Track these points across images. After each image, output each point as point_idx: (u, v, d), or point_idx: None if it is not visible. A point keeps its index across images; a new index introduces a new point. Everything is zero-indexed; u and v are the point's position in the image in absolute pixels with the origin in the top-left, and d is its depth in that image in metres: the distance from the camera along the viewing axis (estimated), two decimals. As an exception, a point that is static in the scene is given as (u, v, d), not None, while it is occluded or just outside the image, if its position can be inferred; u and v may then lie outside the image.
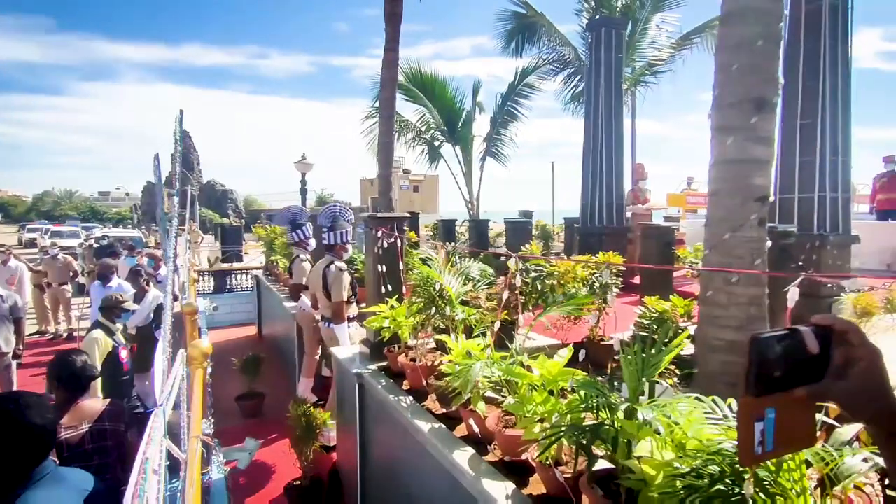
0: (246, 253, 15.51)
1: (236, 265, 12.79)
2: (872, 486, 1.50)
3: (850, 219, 5.10)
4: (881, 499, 1.47)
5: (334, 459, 4.52)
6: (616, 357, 2.88)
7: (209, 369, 2.94)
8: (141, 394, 5.53)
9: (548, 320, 3.80)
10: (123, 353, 4.38)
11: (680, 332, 2.82)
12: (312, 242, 5.93)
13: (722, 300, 2.52)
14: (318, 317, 5.09)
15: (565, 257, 7.21)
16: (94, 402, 2.50)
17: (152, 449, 1.41)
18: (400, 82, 9.19)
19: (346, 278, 4.61)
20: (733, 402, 1.30)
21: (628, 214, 8.70)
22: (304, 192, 14.11)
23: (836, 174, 4.95)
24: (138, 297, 5.53)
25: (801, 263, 4.25)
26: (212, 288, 11.81)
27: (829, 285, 4.47)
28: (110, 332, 4.32)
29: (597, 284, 4.06)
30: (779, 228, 3.43)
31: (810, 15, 4.79)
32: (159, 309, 5.62)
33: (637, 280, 6.19)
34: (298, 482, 4.10)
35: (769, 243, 2.51)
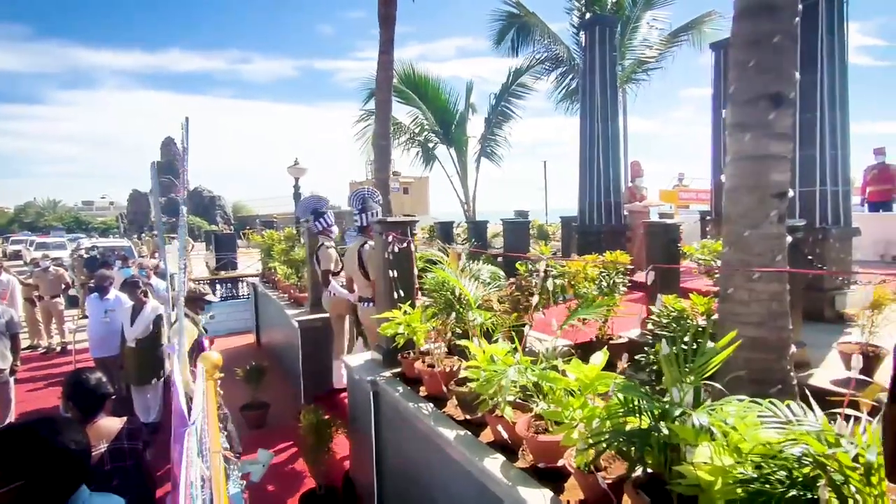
0: (239, 261, 15.38)
1: (232, 273, 12.66)
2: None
3: (851, 211, 5.15)
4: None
5: (346, 468, 4.47)
6: (637, 357, 2.86)
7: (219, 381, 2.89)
8: (141, 407, 5.44)
9: (556, 321, 3.79)
10: (206, 343, 4.69)
11: (700, 331, 2.81)
12: (335, 229, 5.95)
13: (743, 297, 2.51)
14: (354, 299, 5.18)
15: (575, 257, 7.19)
16: (111, 420, 2.43)
17: (193, 471, 1.36)
18: (393, 84, 9.15)
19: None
20: (793, 404, 1.29)
21: (626, 212, 8.71)
22: (297, 196, 13.99)
23: (836, 168, 4.99)
24: (136, 309, 5.44)
25: (810, 258, 4.28)
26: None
27: (839, 279, 4.50)
28: (194, 322, 4.58)
29: (605, 284, 4.06)
30: (788, 223, 3.44)
31: (808, 9, 4.82)
32: (159, 320, 5.53)
33: (641, 278, 6.19)
34: (313, 492, 4.05)
35: (789, 239, 2.51)
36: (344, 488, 4.19)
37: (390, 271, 3.53)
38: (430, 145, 14.87)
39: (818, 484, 1.02)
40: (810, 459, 1.05)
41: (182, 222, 3.38)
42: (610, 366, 3.78)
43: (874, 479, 0.98)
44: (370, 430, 3.66)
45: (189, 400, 2.62)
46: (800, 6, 2.55)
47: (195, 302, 4.79)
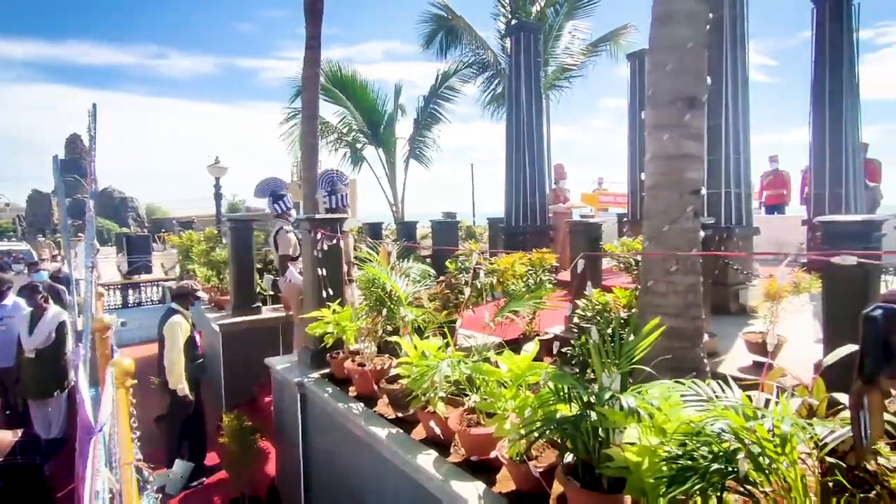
0: (154, 264, 14.35)
1: (145, 277, 11.79)
2: (809, 454, 1.62)
3: (752, 212, 5.59)
4: (818, 466, 1.58)
5: (272, 476, 4.26)
6: (564, 350, 2.94)
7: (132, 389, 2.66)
8: (41, 422, 4.91)
9: (489, 316, 3.83)
10: (198, 337, 4.83)
11: (623, 322, 2.93)
12: (294, 213, 5.79)
13: (662, 289, 2.63)
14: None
15: (503, 254, 7.30)
16: (2, 434, 2.15)
17: (100, 482, 1.22)
18: (321, 83, 8.84)
19: (351, 239, 4.82)
20: (713, 383, 1.35)
21: (550, 213, 8.99)
22: (218, 196, 13.27)
23: (739, 171, 5.41)
24: (35, 316, 4.92)
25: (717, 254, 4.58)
26: (119, 302, 10.80)
27: (744, 271, 4.87)
28: (185, 318, 4.62)
29: (532, 281, 4.16)
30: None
31: (714, 24, 5.20)
32: (62, 328, 5.04)
33: (565, 276, 6.41)
34: (236, 502, 3.83)
35: (703, 234, 2.66)
36: (269, 498, 3.99)
37: (319, 269, 3.41)
38: (359, 146, 14.63)
39: (737, 457, 1.07)
40: (730, 434, 1.10)
41: (89, 218, 3.08)
42: (538, 361, 3.86)
43: (787, 448, 1.04)
44: (297, 434, 3.50)
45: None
46: (710, 15, 2.73)
47: (185, 297, 4.74)
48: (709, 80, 2.67)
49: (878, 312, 0.57)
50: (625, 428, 1.34)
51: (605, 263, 7.35)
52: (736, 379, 2.57)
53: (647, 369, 1.80)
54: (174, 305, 4.69)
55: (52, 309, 5.00)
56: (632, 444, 1.31)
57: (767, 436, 1.06)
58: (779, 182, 10.52)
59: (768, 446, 1.05)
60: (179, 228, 13.10)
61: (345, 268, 4.09)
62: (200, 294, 4.94)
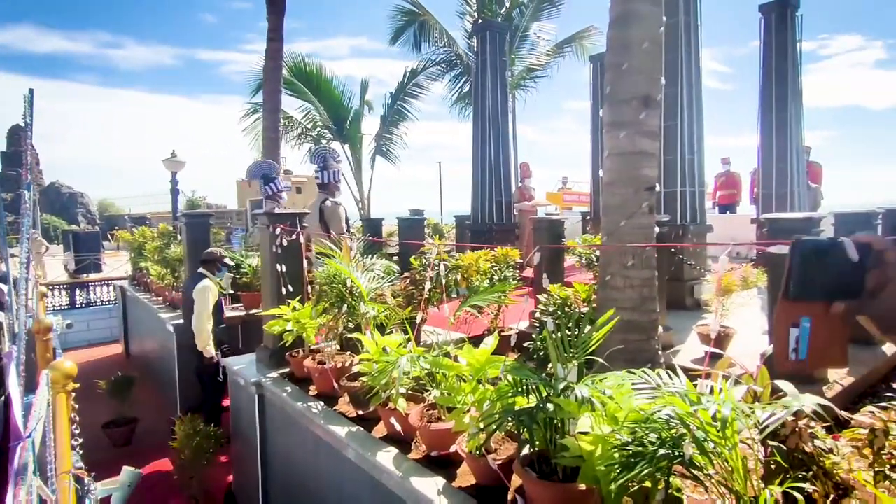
0: (104, 263, 13.76)
1: (94, 276, 11.30)
2: (753, 438, 1.69)
3: (706, 210, 5.80)
4: (765, 450, 1.66)
5: (229, 480, 4.15)
6: (527, 345, 2.97)
7: (73, 393, 2.54)
8: (-24, 431, 4.64)
9: (452, 313, 3.84)
10: (223, 303, 5.10)
11: (583, 316, 2.98)
12: (286, 195, 5.97)
13: (619, 283, 2.70)
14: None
15: (469, 250, 7.34)
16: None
17: (22, 491, 1.15)
18: (284, 77, 8.70)
19: (343, 212, 5.03)
20: (661, 371, 1.38)
21: (515, 211, 9.09)
22: (175, 192, 12.80)
23: (693, 171, 5.59)
24: (-31, 318, 4.62)
25: (672, 250, 4.72)
26: (66, 303, 10.31)
27: (698, 267, 5.03)
28: (214, 283, 4.82)
29: (496, 277, 4.18)
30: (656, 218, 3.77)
31: (669, 28, 5.36)
32: (-5, 330, 4.75)
33: (529, 273, 6.49)
34: (190, 510, 3.71)
35: (657, 230, 2.74)
36: (226, 503, 3.89)
37: (278, 265, 3.33)
38: (324, 141, 14.42)
39: (683, 442, 1.10)
40: (676, 420, 1.13)
41: (26, 211, 2.90)
42: (502, 356, 3.89)
43: (728, 432, 1.08)
44: (255, 437, 3.42)
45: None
46: (664, 19, 2.81)
47: (213, 263, 4.92)
48: (663, 80, 2.75)
49: (805, 240, 0.61)
50: (578, 417, 1.37)
51: (569, 261, 7.51)
52: (688, 369, 2.66)
53: (602, 361, 1.84)
54: (202, 271, 4.86)
55: (-12, 310, 4.70)
56: (585, 433, 1.33)
57: (710, 420, 1.10)
58: (730, 183, 10.95)
59: (711, 431, 1.09)
60: (132, 225, 12.60)
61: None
62: (228, 261, 5.18)
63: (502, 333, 4.14)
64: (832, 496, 1.61)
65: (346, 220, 5.19)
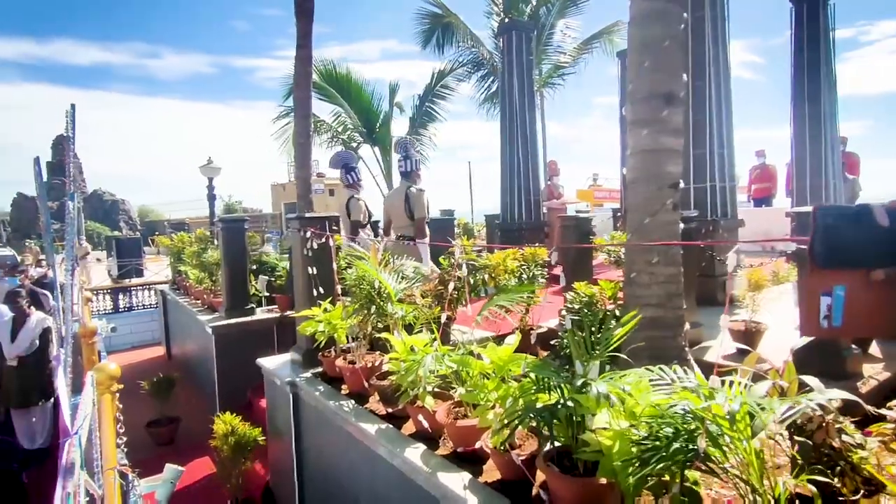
0: (146, 268, 14.33)
1: (136, 280, 11.77)
2: (782, 434, 1.69)
3: (737, 205, 5.68)
4: (792, 446, 1.65)
5: (266, 478, 4.30)
6: (554, 342, 3.00)
7: (118, 394, 2.70)
8: (25, 433, 4.89)
9: (476, 313, 3.89)
10: None
11: (608, 314, 2.99)
12: (364, 184, 6.27)
13: (644, 280, 2.70)
14: (382, 242, 5.53)
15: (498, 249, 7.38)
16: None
17: (70, 485, 1.25)
18: (315, 82, 8.90)
19: (426, 197, 5.27)
20: (677, 368, 1.41)
21: (544, 209, 9.07)
22: (212, 198, 13.23)
23: (723, 165, 5.49)
24: (18, 323, 4.88)
25: (702, 245, 4.65)
26: (109, 307, 10.78)
27: (725, 263, 4.95)
28: None
29: (524, 276, 4.21)
30: (683, 213, 3.74)
31: (696, 22, 5.29)
32: (45, 334, 5.02)
33: (558, 271, 6.48)
34: (230, 505, 3.86)
35: (682, 226, 2.73)
36: (264, 499, 4.03)
37: (309, 268, 3.45)
38: (354, 145, 14.64)
39: (697, 436, 1.13)
40: (690, 415, 1.16)
41: (70, 221, 3.10)
42: (532, 354, 3.91)
43: (741, 426, 1.10)
44: (290, 435, 3.55)
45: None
46: (686, 15, 2.80)
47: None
48: (685, 77, 2.74)
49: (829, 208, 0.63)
50: (597, 413, 1.40)
51: (600, 257, 7.45)
52: (718, 365, 2.65)
53: (626, 357, 1.86)
54: None
55: (36, 315, 4.96)
56: (605, 428, 1.37)
57: (723, 414, 1.12)
58: (765, 176, 10.65)
59: (724, 424, 1.12)
60: (171, 231, 13.08)
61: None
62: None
63: (531, 331, 4.19)
64: (862, 491, 1.60)
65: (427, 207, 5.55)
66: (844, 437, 1.61)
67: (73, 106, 2.78)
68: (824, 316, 0.58)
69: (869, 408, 1.82)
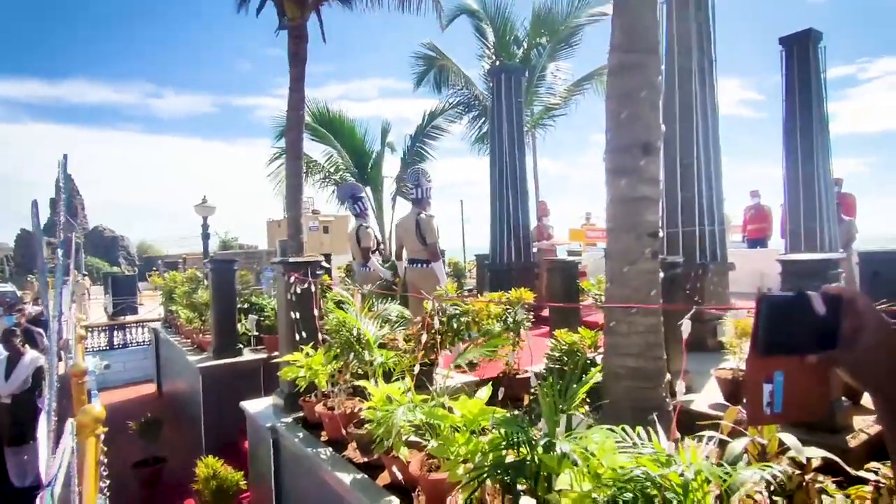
0: (141, 304, 14.27)
1: (130, 318, 11.72)
2: (761, 493, 1.65)
3: (727, 248, 5.69)
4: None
5: (247, 524, 4.17)
6: (533, 390, 2.96)
7: (102, 436, 2.64)
8: (17, 470, 4.82)
9: (462, 359, 3.85)
10: None
11: (589, 362, 2.97)
12: (371, 213, 6.71)
13: (623, 329, 2.69)
14: (388, 276, 6.06)
15: (478, 296, 7.38)
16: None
17: None
18: (307, 122, 9.08)
19: (436, 223, 5.52)
20: (641, 430, 1.39)
21: (534, 250, 9.10)
22: (206, 236, 13.30)
23: (712, 209, 5.54)
24: (12, 361, 4.87)
25: (688, 291, 4.65)
26: (104, 344, 10.71)
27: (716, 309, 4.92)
28: None
29: (510, 320, 4.19)
30: (668, 259, 3.75)
31: (682, 70, 5.44)
32: (39, 373, 4.99)
33: (546, 313, 6.45)
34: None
35: (662, 275, 2.73)
36: (243, 547, 3.90)
37: (292, 313, 3.44)
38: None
39: (655, 501, 1.10)
40: (649, 482, 1.13)
41: (59, 266, 3.12)
42: (515, 400, 3.85)
43: (697, 494, 1.08)
44: (270, 481, 3.46)
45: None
46: (673, 57, 2.89)
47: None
48: (663, 127, 2.80)
49: (773, 294, 0.64)
50: (559, 473, 1.37)
51: (589, 299, 7.43)
52: (704, 416, 2.61)
53: (598, 409, 1.83)
54: None
55: (30, 354, 4.96)
56: (565, 489, 1.34)
57: (679, 481, 1.10)
58: (760, 216, 10.73)
59: (678, 491, 1.09)
60: (164, 269, 13.10)
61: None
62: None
63: (517, 377, 4.14)
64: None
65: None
66: (825, 500, 1.58)
67: (65, 157, 2.85)
68: (766, 403, 0.58)
69: (850, 469, 1.78)
